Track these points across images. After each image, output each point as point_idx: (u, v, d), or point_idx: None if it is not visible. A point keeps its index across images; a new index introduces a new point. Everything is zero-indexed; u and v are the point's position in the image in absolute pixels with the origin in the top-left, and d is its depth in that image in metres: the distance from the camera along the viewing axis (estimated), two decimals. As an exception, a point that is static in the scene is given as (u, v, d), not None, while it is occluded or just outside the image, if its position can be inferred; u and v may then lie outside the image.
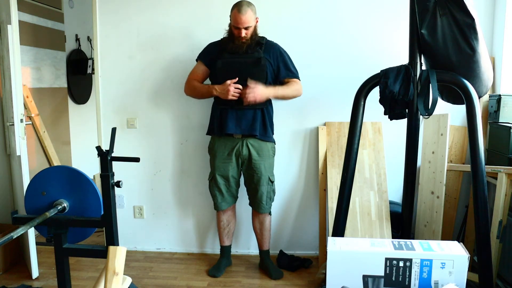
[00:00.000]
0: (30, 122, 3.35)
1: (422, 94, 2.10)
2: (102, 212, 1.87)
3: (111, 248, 1.64)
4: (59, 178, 1.88)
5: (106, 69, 2.96)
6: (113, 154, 1.89)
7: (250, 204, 2.73)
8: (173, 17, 2.88)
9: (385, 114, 2.24)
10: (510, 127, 2.40)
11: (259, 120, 2.54)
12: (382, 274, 1.46)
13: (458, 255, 1.42)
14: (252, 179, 2.62)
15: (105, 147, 1.92)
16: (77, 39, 4.16)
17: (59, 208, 1.85)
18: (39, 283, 2.60)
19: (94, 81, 3.42)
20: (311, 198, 2.96)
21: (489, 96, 2.66)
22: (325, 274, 1.58)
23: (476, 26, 1.99)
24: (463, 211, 2.82)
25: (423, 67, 2.17)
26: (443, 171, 2.55)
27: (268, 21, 2.73)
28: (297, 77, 2.60)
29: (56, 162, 3.63)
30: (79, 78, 4.18)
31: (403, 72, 2.10)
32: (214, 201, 2.71)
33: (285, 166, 2.93)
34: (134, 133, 3.01)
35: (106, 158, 1.85)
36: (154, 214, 3.10)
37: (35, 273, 2.64)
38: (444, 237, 2.60)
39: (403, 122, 2.24)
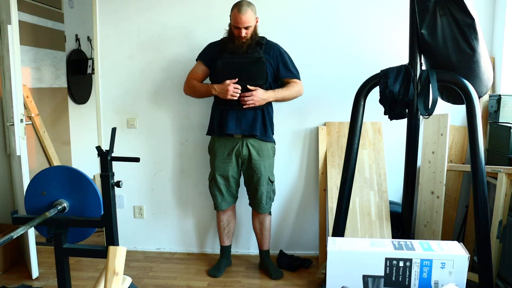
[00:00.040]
0: (30, 122, 3.35)
1: (422, 94, 2.10)
2: (102, 212, 1.87)
3: (111, 248, 1.64)
4: (59, 178, 1.88)
5: (106, 69, 2.96)
6: (113, 154, 1.89)
7: (250, 204, 2.73)
8: (173, 17, 2.88)
9: (385, 114, 2.24)
10: (510, 127, 2.40)
11: (259, 120, 2.54)
12: (382, 274, 1.46)
13: (458, 255, 1.42)
14: (252, 179, 2.62)
15: (105, 147, 1.92)
16: (77, 39, 4.16)
17: (59, 208, 1.85)
18: (39, 283, 2.60)
19: (94, 81, 3.42)
20: (311, 198, 2.96)
21: (489, 96, 2.66)
22: (325, 274, 1.58)
23: (476, 26, 2.00)
24: (463, 211, 2.82)
25: (423, 67, 2.17)
26: (443, 171, 2.55)
27: (268, 21, 2.73)
28: (298, 77, 2.60)
29: (56, 162, 3.63)
30: (79, 78, 4.18)
31: (403, 72, 2.10)
32: (214, 201, 2.71)
33: (285, 166, 2.93)
34: (134, 133, 3.01)
35: (106, 158, 1.85)
36: (154, 214, 3.10)
37: (35, 273, 2.64)
38: (444, 237, 2.60)
39: (403, 122, 2.24)
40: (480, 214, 1.96)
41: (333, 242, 1.52)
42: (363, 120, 2.21)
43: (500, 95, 2.55)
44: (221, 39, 2.58)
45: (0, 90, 2.88)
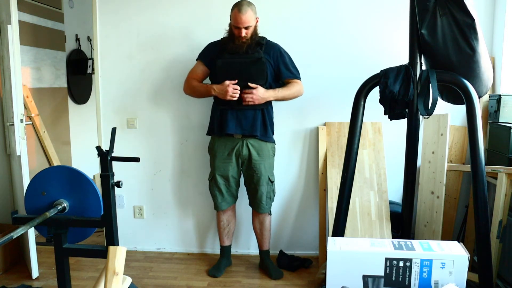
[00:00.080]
0: (30, 122, 3.35)
1: (422, 94, 2.10)
2: (102, 212, 1.87)
3: (111, 248, 1.64)
4: (59, 178, 1.88)
5: (106, 69, 2.96)
6: (113, 154, 1.89)
7: (250, 204, 2.73)
8: (173, 17, 2.88)
9: (385, 114, 2.24)
10: (510, 127, 2.40)
11: (260, 120, 2.54)
12: (382, 274, 1.46)
13: (458, 255, 1.42)
14: (252, 179, 2.62)
15: (105, 147, 1.92)
16: (77, 39, 4.16)
17: (59, 208, 1.85)
18: (39, 283, 2.60)
19: (94, 81, 3.42)
20: (311, 198, 2.96)
21: (489, 96, 2.66)
22: (325, 274, 1.58)
23: (476, 26, 1.99)
24: (463, 211, 2.82)
25: (423, 67, 2.17)
26: (443, 171, 2.55)
27: (268, 21, 2.73)
28: (298, 77, 2.60)
29: (56, 162, 3.63)
30: (79, 78, 4.18)
31: (403, 72, 2.10)
32: (214, 201, 2.71)
33: (285, 166, 2.93)
34: (134, 133, 3.01)
35: (106, 158, 1.85)
36: (154, 214, 3.10)
37: (35, 273, 2.64)
38: (444, 237, 2.60)
39: (403, 122, 2.24)
40: (480, 214, 1.96)
41: (333, 242, 1.52)
42: (363, 120, 2.21)
43: (500, 95, 2.55)
44: (221, 39, 2.58)
45: (0, 90, 2.88)
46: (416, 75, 2.11)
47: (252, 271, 2.78)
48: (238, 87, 2.44)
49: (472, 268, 2.37)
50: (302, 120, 2.90)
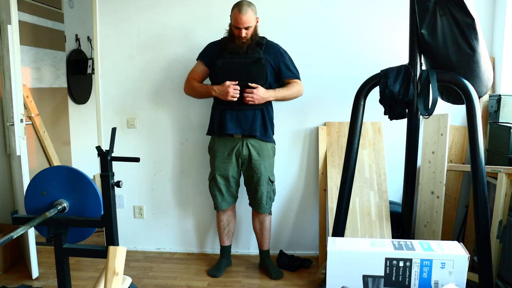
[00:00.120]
0: (30, 122, 3.35)
1: (422, 94, 2.10)
2: (102, 212, 1.87)
3: (111, 248, 1.64)
4: (59, 178, 1.87)
5: (106, 69, 2.96)
6: (113, 154, 1.89)
7: (250, 204, 2.73)
8: (173, 17, 2.88)
9: (385, 114, 2.24)
10: (510, 127, 2.40)
11: (259, 120, 2.54)
12: (382, 274, 1.46)
13: (458, 255, 1.43)
14: (252, 179, 2.62)
15: (105, 147, 1.91)
16: (77, 39, 4.16)
17: (59, 208, 1.85)
18: (39, 283, 2.60)
19: (94, 81, 3.42)
20: (311, 198, 2.96)
21: (489, 96, 2.66)
22: (325, 274, 1.58)
23: (476, 26, 1.99)
24: (463, 211, 2.82)
25: (423, 67, 2.17)
26: (443, 171, 2.55)
27: (268, 21, 2.73)
28: (298, 78, 2.60)
29: (56, 162, 3.63)
30: (79, 78, 4.18)
31: (403, 72, 2.10)
32: (214, 201, 2.71)
33: (285, 166, 2.93)
34: (134, 133, 3.01)
35: (106, 158, 1.85)
36: (154, 214, 3.10)
37: (35, 273, 2.64)
38: (444, 237, 2.60)
39: (403, 122, 2.24)
40: (480, 214, 1.96)
41: (333, 242, 1.52)
42: (363, 120, 2.21)
43: (500, 95, 2.55)
44: (221, 39, 2.58)
45: (0, 90, 2.88)
46: (416, 75, 2.11)
47: (252, 271, 2.78)
48: (239, 88, 2.44)
49: (472, 268, 2.37)
50: (302, 120, 2.90)
